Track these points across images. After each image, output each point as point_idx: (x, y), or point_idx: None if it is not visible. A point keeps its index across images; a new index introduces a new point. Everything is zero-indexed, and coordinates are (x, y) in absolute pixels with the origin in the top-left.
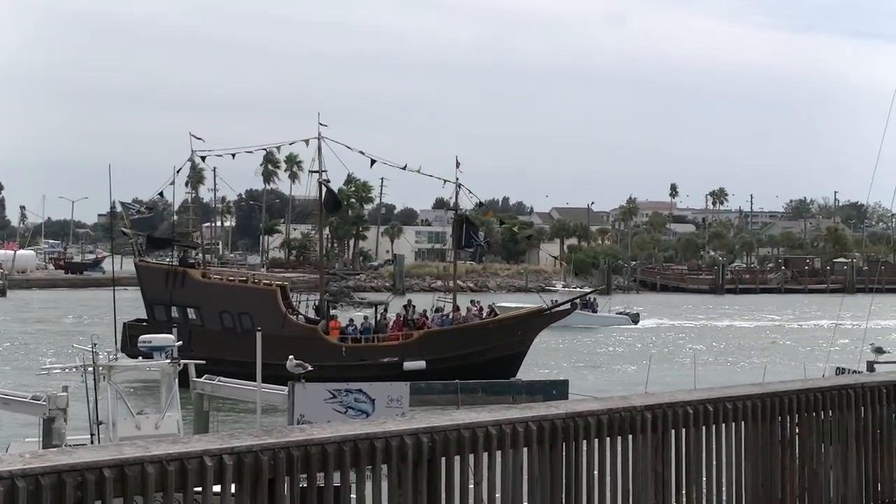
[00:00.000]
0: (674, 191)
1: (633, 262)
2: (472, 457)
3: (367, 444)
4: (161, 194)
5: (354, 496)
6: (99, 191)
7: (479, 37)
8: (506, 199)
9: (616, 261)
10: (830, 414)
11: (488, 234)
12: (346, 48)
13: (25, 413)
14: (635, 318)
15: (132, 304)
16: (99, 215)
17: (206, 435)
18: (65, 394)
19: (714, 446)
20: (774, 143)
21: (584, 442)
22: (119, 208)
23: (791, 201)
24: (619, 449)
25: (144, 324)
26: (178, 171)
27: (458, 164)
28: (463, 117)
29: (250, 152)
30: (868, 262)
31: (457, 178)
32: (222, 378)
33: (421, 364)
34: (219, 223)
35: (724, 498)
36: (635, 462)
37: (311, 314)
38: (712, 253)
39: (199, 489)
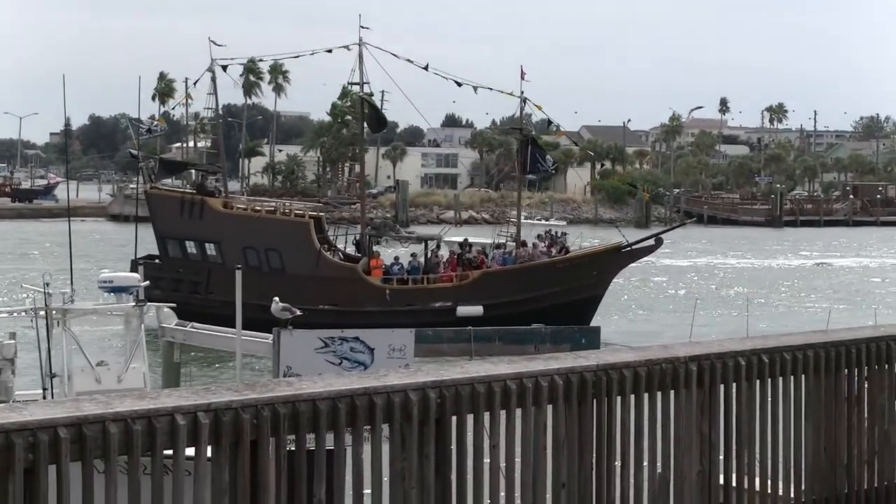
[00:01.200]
0: (724, 106)
1: (677, 191)
2: (487, 415)
3: (366, 400)
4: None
5: (350, 460)
6: (51, 105)
7: None
8: (527, 116)
9: (657, 188)
10: None
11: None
12: None
13: None
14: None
15: (92, 237)
16: (51, 134)
17: (177, 389)
18: (12, 342)
19: (769, 403)
20: (842, 49)
21: (619, 398)
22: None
23: (861, 118)
24: (660, 406)
25: (157, 261)
26: (195, 83)
27: (522, 75)
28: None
29: (278, 61)
30: None
31: (522, 92)
32: (196, 324)
33: (478, 309)
34: (191, 143)
35: (780, 463)
36: (678, 421)
37: (352, 250)
38: (769, 179)
39: (170, 452)
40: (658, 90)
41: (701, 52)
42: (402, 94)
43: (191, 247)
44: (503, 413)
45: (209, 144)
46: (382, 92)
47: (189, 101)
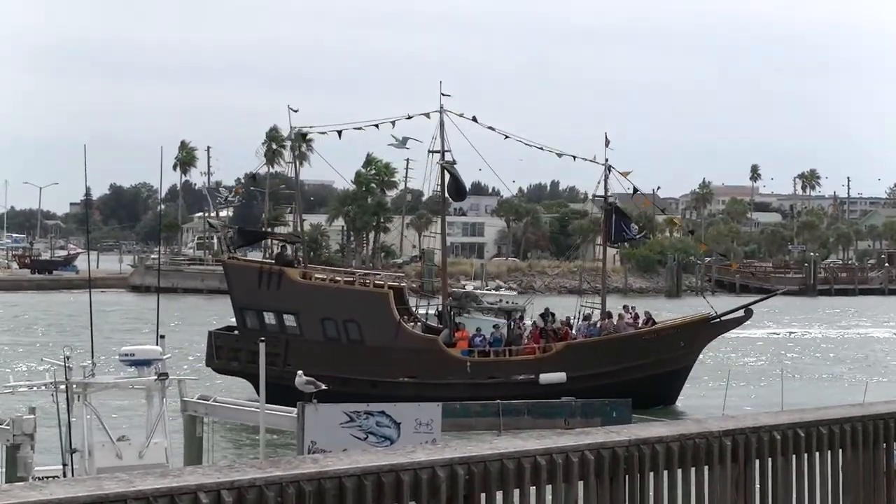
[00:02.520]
0: (755, 173)
1: (708, 259)
2: (517, 492)
3: (392, 477)
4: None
5: None
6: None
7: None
8: (555, 184)
9: (687, 257)
10: None
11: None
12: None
13: None
14: None
15: (112, 308)
16: (71, 204)
17: (200, 466)
18: (32, 416)
19: (806, 479)
20: (876, 116)
21: (651, 474)
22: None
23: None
24: (693, 482)
25: (235, 332)
26: (274, 151)
27: (607, 143)
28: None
29: (360, 129)
30: None
31: (606, 160)
32: (219, 397)
33: (561, 376)
34: (214, 213)
35: None
36: (712, 498)
37: (434, 322)
38: (802, 247)
39: None
40: (686, 158)
41: (734, 120)
42: (485, 161)
43: (269, 318)
44: (533, 489)
45: (231, 214)
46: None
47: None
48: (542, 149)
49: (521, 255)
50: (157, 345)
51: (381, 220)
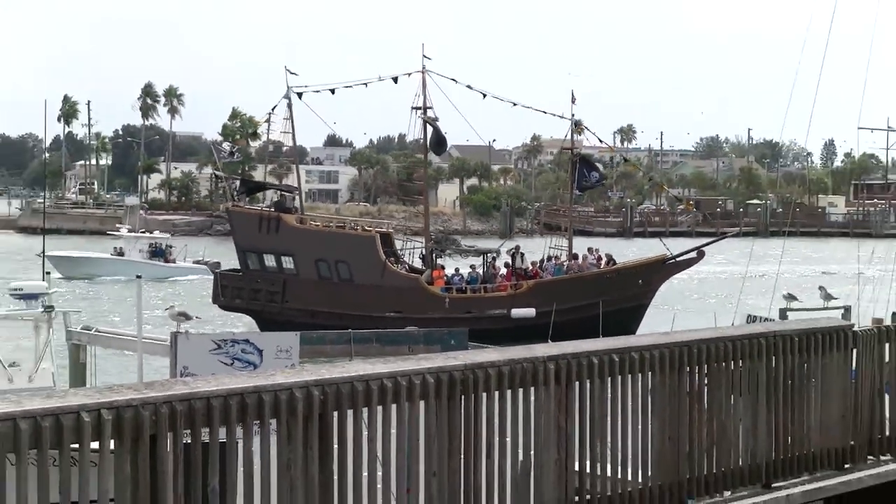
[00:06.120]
0: (579, 128)
1: (538, 204)
2: (365, 411)
3: (255, 397)
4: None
5: (241, 453)
6: None
7: None
8: (402, 136)
9: (519, 202)
10: (741, 364)
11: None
12: None
13: None
14: (214, 268)
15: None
16: None
17: (83, 389)
18: None
19: (619, 398)
20: (686, 81)
21: (484, 394)
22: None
23: (702, 139)
24: (521, 402)
25: (238, 273)
26: (273, 109)
27: (573, 99)
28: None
29: (349, 87)
30: (782, 203)
31: (573, 115)
32: (100, 327)
33: (531, 311)
34: (94, 161)
35: (629, 452)
36: (538, 415)
37: (418, 263)
38: (620, 194)
39: (76, 446)
40: (519, 114)
41: (560, 80)
42: (463, 117)
43: (268, 259)
44: (380, 409)
45: (110, 162)
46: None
47: (262, 128)
48: (514, 105)
49: (371, 201)
50: (42, 280)
51: (246, 168)
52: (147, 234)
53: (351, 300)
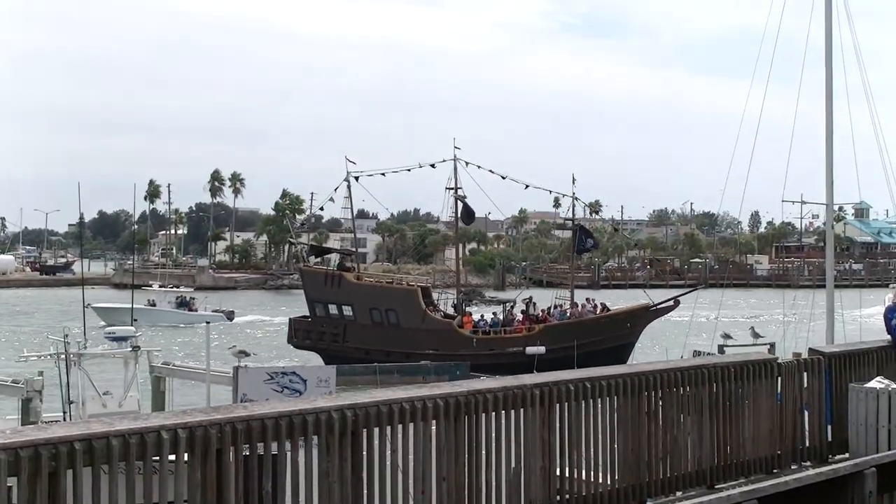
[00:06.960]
0: (557, 203)
1: (524, 263)
2: (389, 428)
3: (300, 418)
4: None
5: (289, 462)
6: (68, 204)
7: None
8: (416, 210)
9: (509, 262)
10: (688, 389)
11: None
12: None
13: (6, 395)
14: (230, 316)
15: (98, 299)
16: (69, 225)
17: (162, 412)
18: (40, 378)
19: (592, 417)
20: (640, 162)
21: (483, 415)
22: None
23: (654, 211)
24: (513, 420)
25: (308, 319)
26: (335, 190)
27: (574, 181)
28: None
29: (396, 172)
30: (718, 261)
31: (573, 193)
32: (176, 363)
33: (541, 349)
34: (173, 231)
35: (600, 460)
36: (526, 431)
37: (451, 311)
38: (589, 255)
39: (157, 458)
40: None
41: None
42: (486, 196)
43: (332, 308)
44: (400, 427)
45: (185, 232)
46: (311, 193)
47: (319, 208)
48: (526, 187)
49: (392, 261)
50: (131, 325)
51: (293, 237)
52: (174, 289)
53: (398, 341)
